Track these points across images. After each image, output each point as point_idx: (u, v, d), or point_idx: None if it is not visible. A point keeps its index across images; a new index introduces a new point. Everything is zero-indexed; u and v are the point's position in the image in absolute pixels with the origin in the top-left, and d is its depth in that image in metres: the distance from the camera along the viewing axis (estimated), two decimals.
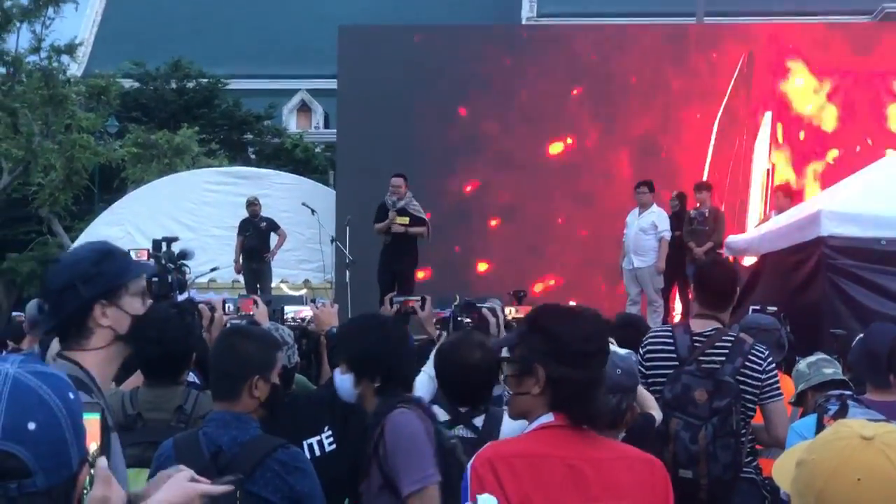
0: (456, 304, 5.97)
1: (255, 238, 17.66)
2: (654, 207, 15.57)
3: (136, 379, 5.11)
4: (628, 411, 3.99)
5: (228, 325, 5.78)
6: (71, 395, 1.95)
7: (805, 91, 18.97)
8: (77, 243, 20.78)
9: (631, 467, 3.32)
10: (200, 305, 5.60)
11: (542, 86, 18.95)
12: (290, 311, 6.61)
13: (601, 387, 3.30)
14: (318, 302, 6.68)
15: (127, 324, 3.37)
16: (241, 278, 18.06)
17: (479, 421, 4.81)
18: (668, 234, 15.35)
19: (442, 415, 4.87)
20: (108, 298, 3.34)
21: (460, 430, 4.80)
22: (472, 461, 3.29)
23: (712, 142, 18.79)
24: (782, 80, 18.98)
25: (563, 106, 18.96)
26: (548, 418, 3.29)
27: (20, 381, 1.91)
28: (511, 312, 7.73)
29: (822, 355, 6.63)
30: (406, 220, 14.89)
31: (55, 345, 6.32)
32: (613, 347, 3.98)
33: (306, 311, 6.45)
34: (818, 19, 30.88)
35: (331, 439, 5.14)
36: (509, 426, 4.31)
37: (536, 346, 3.34)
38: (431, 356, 5.24)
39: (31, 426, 1.88)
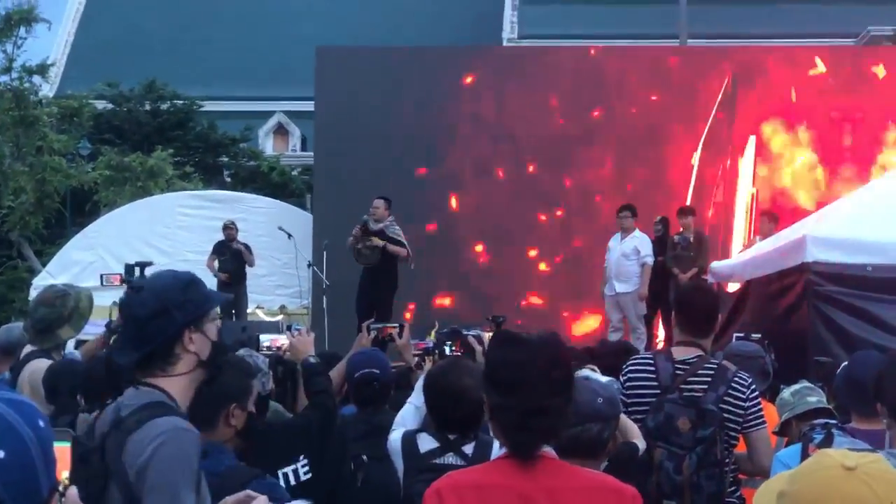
0: (441, 331, 5.98)
1: (230, 262, 17.61)
2: (637, 232, 15.60)
3: None
4: (610, 441, 3.98)
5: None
6: (41, 423, 1.95)
7: (789, 114, 19.04)
8: (49, 267, 20.78)
9: (595, 497, 3.31)
10: None
11: (524, 108, 18.99)
12: (265, 339, 6.60)
13: (548, 416, 3.25)
14: (293, 329, 6.67)
15: (208, 350, 3.51)
16: None
17: (469, 448, 4.80)
18: (650, 260, 15.38)
19: (430, 442, 4.88)
20: (195, 325, 3.47)
21: (450, 458, 4.80)
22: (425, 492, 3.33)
23: (696, 165, 18.85)
24: (766, 103, 19.05)
25: (544, 128, 18.99)
26: (504, 449, 3.32)
27: None
28: (489, 339, 7.74)
29: (805, 383, 6.64)
30: (380, 242, 14.91)
31: (26, 371, 6.30)
32: (595, 375, 3.98)
33: (282, 340, 6.44)
34: (803, 42, 31.08)
35: (306, 468, 5.13)
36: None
37: (485, 374, 3.41)
38: (417, 386, 5.23)
39: (0, 454, 1.88)
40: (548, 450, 3.31)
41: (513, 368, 3.27)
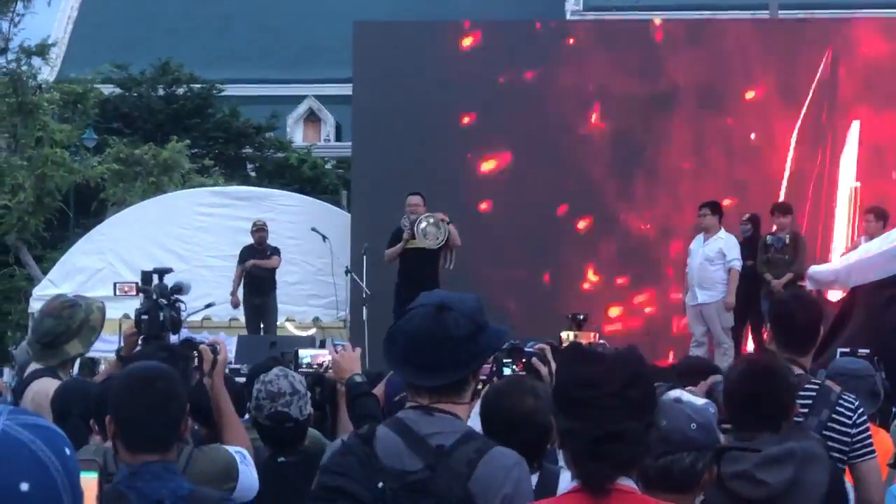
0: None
1: (260, 268, 17.68)
2: (722, 233, 15.54)
3: None
4: (705, 472, 3.97)
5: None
6: (67, 451, 1.96)
7: None
8: (51, 275, 20.95)
9: None
10: (202, 347, 5.64)
11: (593, 89, 18.94)
12: (305, 355, 6.61)
13: (624, 443, 3.25)
14: (333, 343, 6.70)
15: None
16: (240, 315, 18.08)
17: (532, 480, 4.80)
18: (738, 264, 15.31)
19: None
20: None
21: None
22: None
23: (790, 156, 18.75)
24: (872, 84, 18.90)
25: (616, 113, 18.93)
26: (576, 481, 3.33)
27: (10, 435, 1.91)
28: (569, 338, 7.74)
29: None
30: (445, 217, 15.04)
31: (30, 391, 6.37)
32: (689, 397, 3.97)
33: (325, 357, 6.46)
34: None
35: None
36: (568, 486, 4.33)
37: (553, 394, 3.43)
38: (474, 412, 5.23)
39: (24, 487, 1.89)
40: (626, 482, 3.30)
41: (583, 388, 3.26)
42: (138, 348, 6.37)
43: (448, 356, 3.78)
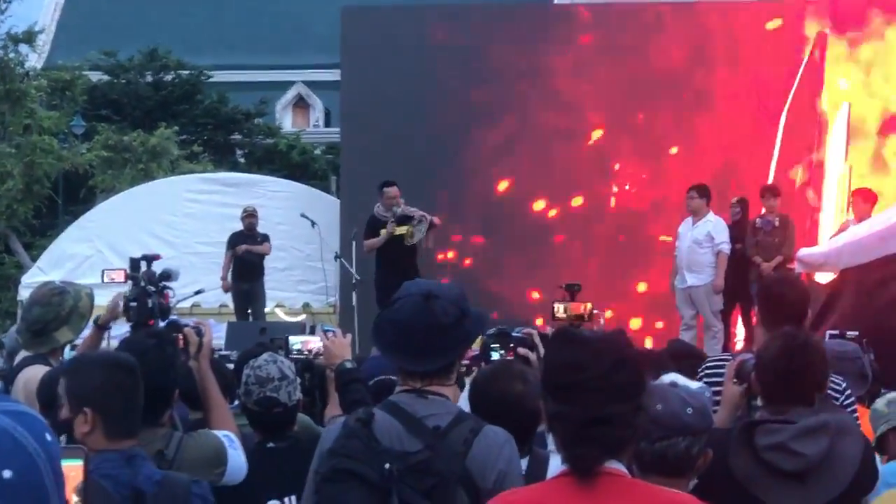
0: (487, 333, 5.96)
1: (251, 254, 17.66)
2: (711, 216, 15.54)
3: None
4: (700, 457, 3.98)
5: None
6: (49, 437, 1.95)
7: (892, 76, 18.86)
8: (40, 262, 20.93)
9: None
10: (186, 329, 5.64)
11: (585, 73, 18.89)
12: (295, 341, 6.61)
13: (612, 426, 3.23)
14: (323, 329, 6.68)
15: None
16: (229, 301, 18.07)
17: (522, 464, 4.81)
18: (726, 247, 15.31)
19: None
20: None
21: None
22: None
23: (779, 139, 18.73)
24: (863, 64, 18.88)
25: (609, 93, 18.90)
26: (565, 465, 3.33)
27: None
28: (560, 310, 7.71)
29: None
30: (406, 228, 15.10)
31: (21, 380, 6.36)
32: (684, 381, 3.98)
33: (315, 343, 6.46)
34: None
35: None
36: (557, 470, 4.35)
37: (542, 378, 3.45)
38: (463, 397, 5.24)
39: (7, 474, 1.88)
40: (615, 466, 3.30)
41: (570, 371, 3.26)
42: (125, 330, 6.38)
43: (438, 342, 4.03)
